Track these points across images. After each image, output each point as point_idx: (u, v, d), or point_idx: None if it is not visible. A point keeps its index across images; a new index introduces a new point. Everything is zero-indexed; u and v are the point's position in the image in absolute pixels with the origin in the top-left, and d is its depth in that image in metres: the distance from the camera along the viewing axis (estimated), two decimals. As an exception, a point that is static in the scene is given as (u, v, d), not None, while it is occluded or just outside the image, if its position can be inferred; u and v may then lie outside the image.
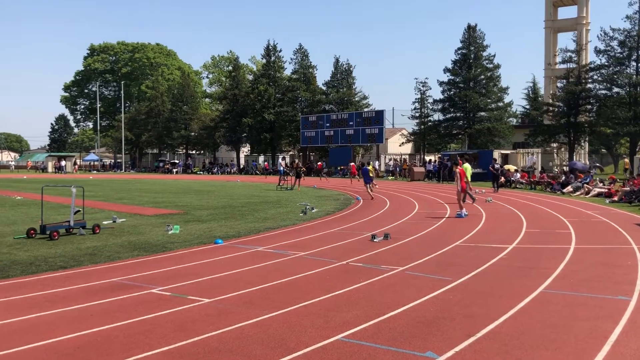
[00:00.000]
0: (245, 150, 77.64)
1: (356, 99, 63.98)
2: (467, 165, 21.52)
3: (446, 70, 56.27)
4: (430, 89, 62.12)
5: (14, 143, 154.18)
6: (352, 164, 44.26)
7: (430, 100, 58.53)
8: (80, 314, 6.25)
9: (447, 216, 16.67)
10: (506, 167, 37.52)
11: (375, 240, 11.61)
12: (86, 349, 5.04)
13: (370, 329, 5.63)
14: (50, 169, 72.84)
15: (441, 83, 56.92)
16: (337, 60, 64.37)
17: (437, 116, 58.61)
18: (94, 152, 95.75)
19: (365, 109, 60.75)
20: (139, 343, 5.19)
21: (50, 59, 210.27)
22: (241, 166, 69.99)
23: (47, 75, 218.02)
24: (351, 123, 54.46)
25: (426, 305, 6.56)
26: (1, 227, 13.85)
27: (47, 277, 8.21)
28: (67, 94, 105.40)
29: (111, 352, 4.95)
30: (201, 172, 67.62)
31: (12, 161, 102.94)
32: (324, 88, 65.98)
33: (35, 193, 26.31)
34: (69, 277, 8.20)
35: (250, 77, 75.39)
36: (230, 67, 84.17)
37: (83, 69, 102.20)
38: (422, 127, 58.17)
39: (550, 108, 49.43)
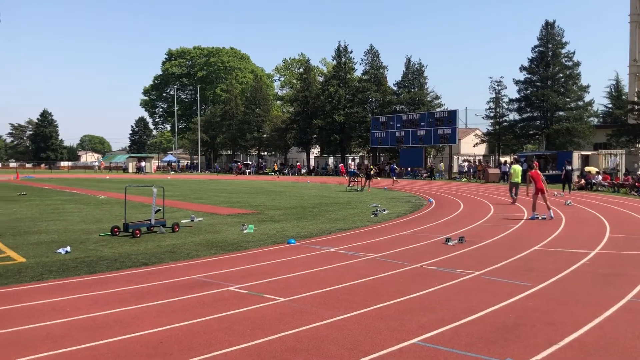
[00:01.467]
0: (315, 151, 78.31)
1: (428, 99, 63.13)
2: (517, 167, 21.44)
3: (522, 68, 54.49)
4: (506, 87, 60.40)
5: (98, 145, 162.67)
6: (341, 164, 45.84)
7: (506, 99, 56.91)
8: (162, 309, 6.50)
9: (524, 219, 16.13)
10: (587, 169, 35.87)
11: (449, 243, 11.40)
12: (169, 343, 5.24)
13: (447, 334, 5.53)
14: (131, 170, 76.24)
15: (517, 82, 55.16)
16: (408, 60, 63.79)
17: (513, 116, 56.88)
18: (171, 154, 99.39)
19: (438, 109, 59.81)
20: (219, 339, 5.34)
21: (131, 63, 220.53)
22: (311, 167, 70.63)
23: (128, 79, 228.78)
24: (423, 123, 53.73)
25: (504, 311, 6.37)
26: (87, 224, 14.61)
27: (131, 273, 8.59)
28: (146, 98, 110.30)
29: (192, 347, 5.12)
30: (272, 173, 68.75)
31: (96, 162, 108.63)
32: (395, 88, 65.51)
33: (118, 192, 27.63)
34: (151, 274, 8.55)
35: (321, 79, 75.97)
36: (301, 70, 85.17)
37: (161, 73, 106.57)
38: (497, 127, 56.59)
39: (636, 107, 46.80)
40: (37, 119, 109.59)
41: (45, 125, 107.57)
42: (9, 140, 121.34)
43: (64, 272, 8.57)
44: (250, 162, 76.72)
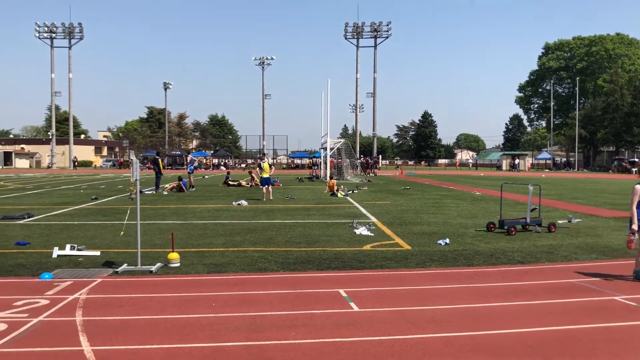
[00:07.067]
0: None
1: None
2: None
3: None
4: None
5: (472, 143, 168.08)
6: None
7: None
8: (540, 309, 6.37)
9: None
10: None
11: None
12: (549, 346, 5.10)
13: None
14: (504, 167, 76.51)
15: None
16: None
17: None
18: (546, 151, 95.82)
19: None
20: (603, 351, 4.95)
21: (507, 62, 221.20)
22: None
23: (503, 77, 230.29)
24: None
25: None
26: (464, 219, 15.29)
27: (506, 270, 8.65)
28: (521, 94, 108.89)
29: (575, 354, 4.87)
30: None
31: (470, 159, 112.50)
32: None
33: (491, 189, 28.10)
34: (527, 272, 8.45)
35: None
36: None
37: (537, 68, 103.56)
38: None
39: None
40: (419, 120, 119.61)
41: (425, 126, 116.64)
42: (395, 140, 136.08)
43: (443, 262, 9.19)
44: (637, 160, 67.99)
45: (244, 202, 19.46)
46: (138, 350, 4.99)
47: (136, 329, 5.58)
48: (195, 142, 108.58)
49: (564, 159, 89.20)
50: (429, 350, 4.99)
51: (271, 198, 21.39)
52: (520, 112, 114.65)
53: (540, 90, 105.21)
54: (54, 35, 78.22)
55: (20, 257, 9.50)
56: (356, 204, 19.60)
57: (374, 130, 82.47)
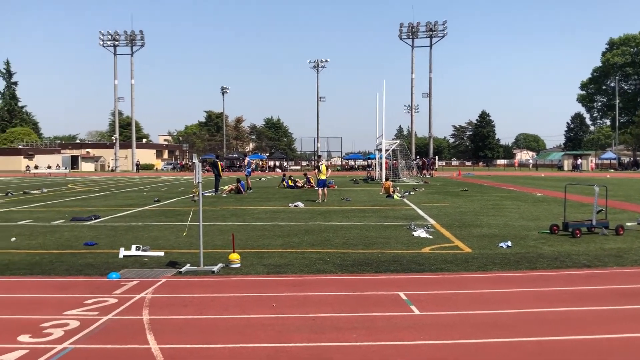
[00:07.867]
0: None
1: None
2: None
3: None
4: None
5: (532, 143, 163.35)
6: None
7: None
8: (609, 315, 6.12)
9: None
10: None
11: None
12: (621, 353, 4.89)
13: None
14: (566, 168, 74.04)
15: None
16: None
17: None
18: (610, 150, 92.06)
19: None
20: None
21: (567, 59, 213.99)
22: None
23: (563, 75, 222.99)
24: None
25: None
26: (526, 221, 14.86)
27: (571, 274, 8.36)
28: (583, 92, 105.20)
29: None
30: None
31: (530, 160, 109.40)
32: None
33: (553, 190, 27.23)
34: (594, 276, 8.14)
35: None
36: None
37: (601, 65, 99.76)
38: None
39: None
40: (476, 120, 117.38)
41: (483, 126, 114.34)
42: (451, 140, 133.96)
43: (505, 265, 8.96)
44: None
45: (300, 204, 19.61)
46: (202, 349, 5.11)
47: (200, 328, 5.71)
48: (251, 145, 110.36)
49: (630, 159, 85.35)
50: (494, 355, 4.88)
51: (326, 200, 21.48)
52: (583, 110, 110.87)
53: (604, 87, 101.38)
54: (116, 43, 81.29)
55: (89, 257, 9.90)
56: (413, 206, 19.40)
57: (429, 130, 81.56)
